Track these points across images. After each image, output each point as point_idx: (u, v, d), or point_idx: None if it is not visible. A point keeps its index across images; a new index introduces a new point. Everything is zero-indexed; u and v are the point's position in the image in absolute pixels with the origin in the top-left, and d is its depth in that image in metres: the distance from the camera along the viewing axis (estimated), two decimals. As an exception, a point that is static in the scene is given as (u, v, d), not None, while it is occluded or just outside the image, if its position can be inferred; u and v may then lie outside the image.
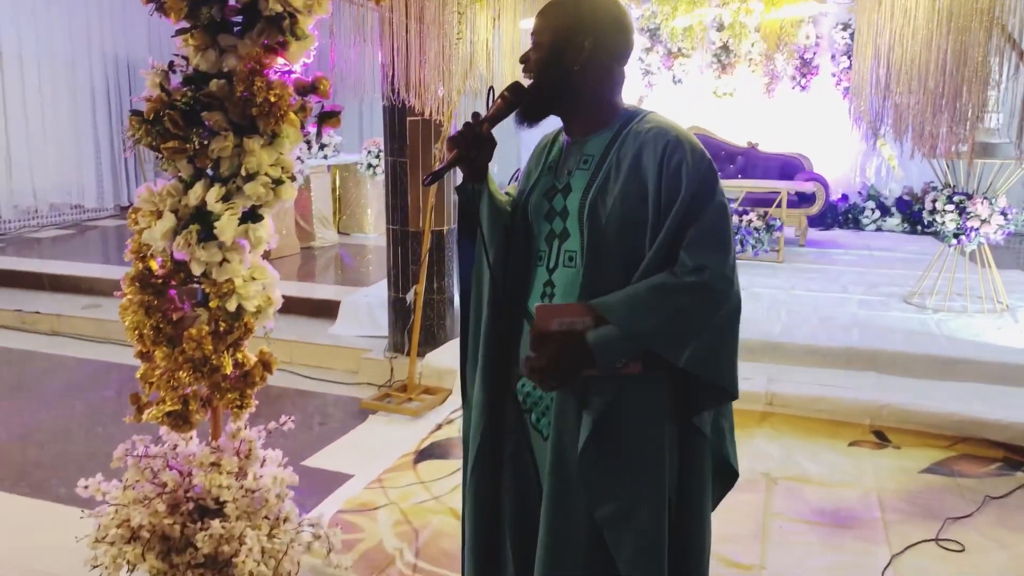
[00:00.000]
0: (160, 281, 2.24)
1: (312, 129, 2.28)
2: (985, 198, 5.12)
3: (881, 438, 3.93)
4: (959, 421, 3.87)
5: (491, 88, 1.75)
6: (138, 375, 2.35)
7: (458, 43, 3.06)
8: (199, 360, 2.21)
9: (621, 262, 1.63)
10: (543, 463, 1.73)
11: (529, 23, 3.78)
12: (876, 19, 2.77)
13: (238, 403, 2.34)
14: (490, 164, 1.77)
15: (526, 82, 1.72)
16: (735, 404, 1.83)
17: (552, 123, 1.75)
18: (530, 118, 1.72)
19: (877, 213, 9.23)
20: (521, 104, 1.70)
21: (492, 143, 1.70)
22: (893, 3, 2.66)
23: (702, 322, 1.58)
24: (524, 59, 1.72)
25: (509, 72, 3.59)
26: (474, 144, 1.67)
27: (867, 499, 3.37)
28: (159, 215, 2.15)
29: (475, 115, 1.70)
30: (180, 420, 2.29)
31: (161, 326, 2.22)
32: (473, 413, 1.85)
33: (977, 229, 5.16)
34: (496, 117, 1.69)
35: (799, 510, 3.29)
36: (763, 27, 3.73)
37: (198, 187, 2.12)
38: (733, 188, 7.67)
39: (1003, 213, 5.15)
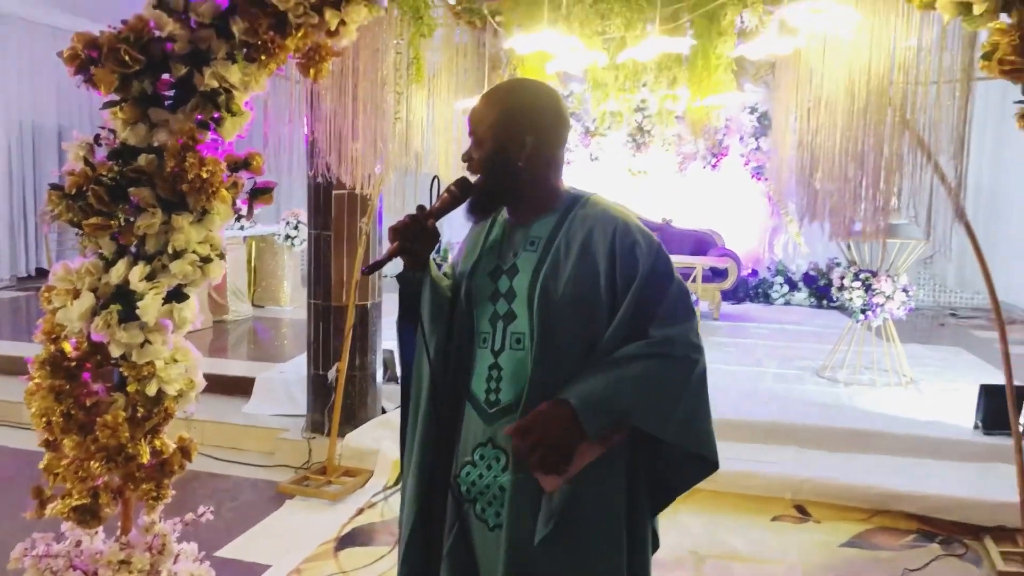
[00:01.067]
0: (74, 364, 2.10)
1: (243, 205, 2.21)
2: (888, 275, 5.39)
3: (802, 512, 3.98)
4: (875, 494, 3.97)
5: (435, 178, 1.74)
6: (42, 466, 2.17)
7: (396, 123, 3.07)
8: (113, 449, 2.07)
9: (573, 343, 1.63)
10: (488, 555, 1.67)
11: (463, 103, 3.86)
12: (793, 108, 2.93)
13: (154, 494, 2.19)
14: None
15: (472, 177, 1.72)
16: None
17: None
18: (479, 213, 1.74)
19: (786, 288, 9.60)
20: (467, 199, 1.69)
21: (436, 236, 1.69)
22: (810, 95, 2.82)
23: (680, 389, 1.60)
24: (467, 157, 1.72)
25: (443, 149, 3.63)
26: (418, 237, 1.65)
27: (793, 575, 3.39)
28: (76, 294, 2.02)
29: (420, 208, 1.68)
30: (88, 515, 2.12)
31: (72, 412, 2.07)
32: (405, 504, 1.78)
33: (882, 305, 5.40)
34: (441, 211, 1.68)
35: (729, 589, 3.28)
36: (688, 114, 3.89)
37: (121, 265, 2.01)
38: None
39: (905, 290, 5.42)
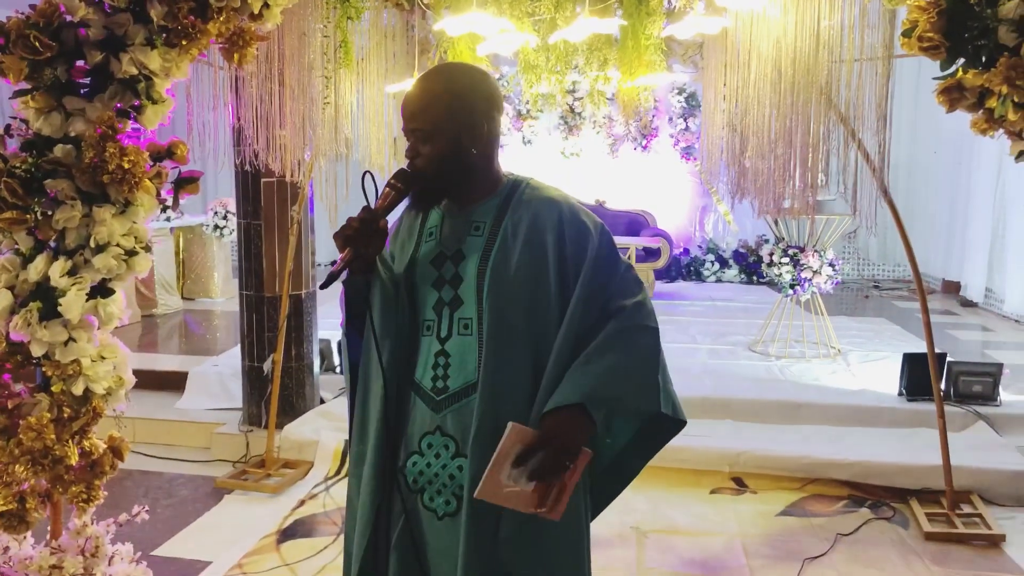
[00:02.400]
0: (-8, 365, 2.01)
1: (168, 196, 2.14)
2: (815, 251, 5.54)
3: (740, 484, 4.08)
4: (807, 463, 4.09)
5: (366, 173, 1.69)
6: (-37, 472, 2.08)
7: (325, 107, 3.01)
8: (39, 452, 1.98)
9: (523, 326, 1.63)
10: (438, 545, 1.66)
11: (393, 87, 3.80)
12: (723, 88, 2.98)
13: (84, 496, 2.11)
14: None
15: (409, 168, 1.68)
16: None
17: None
18: (425, 205, 1.72)
19: (717, 265, 9.78)
20: (411, 191, 1.66)
21: (385, 235, 1.65)
22: (739, 74, 2.86)
23: (657, 358, 1.66)
24: (413, 153, 1.66)
25: (374, 135, 3.57)
26: (370, 241, 1.61)
27: (732, 546, 3.48)
28: (-8, 293, 1.93)
29: (366, 209, 1.62)
30: (15, 520, 2.04)
31: (-7, 416, 1.99)
32: (361, 506, 1.72)
33: (810, 280, 5.56)
34: (388, 209, 1.64)
35: (671, 562, 3.34)
36: (620, 95, 3.92)
37: (39, 261, 1.92)
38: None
39: (831, 264, 5.58)
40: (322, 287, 1.60)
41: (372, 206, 1.64)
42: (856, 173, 2.60)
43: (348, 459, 1.86)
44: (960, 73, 1.85)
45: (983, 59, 1.79)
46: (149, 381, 5.19)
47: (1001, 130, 1.87)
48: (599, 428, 1.58)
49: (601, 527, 3.52)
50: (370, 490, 1.70)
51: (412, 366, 1.71)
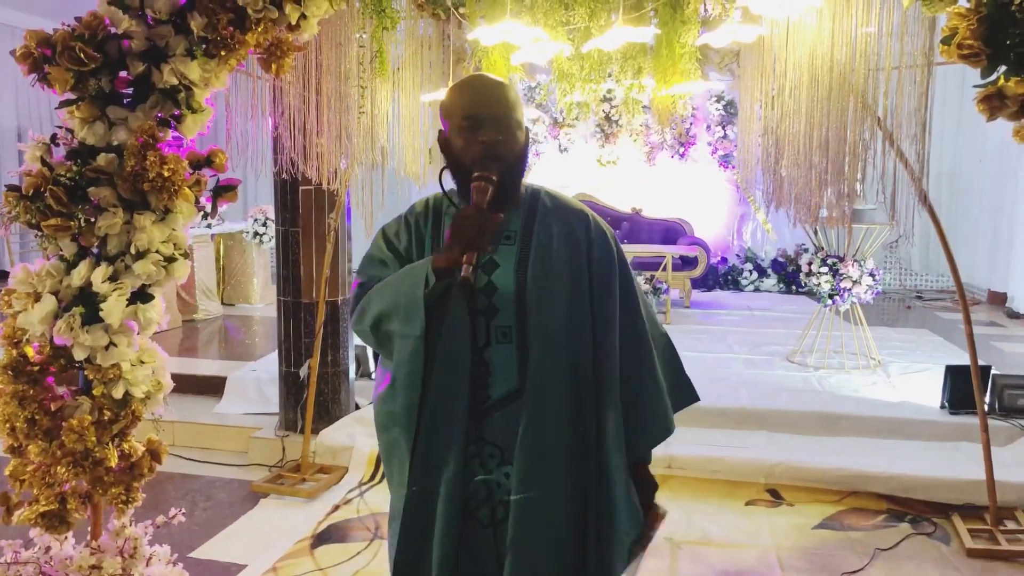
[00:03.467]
0: (37, 368, 2.06)
1: (207, 203, 2.18)
2: (855, 260, 5.45)
3: (775, 496, 4.03)
4: (846, 476, 4.02)
5: (444, 169, 1.70)
6: (7, 472, 2.13)
7: (360, 116, 3.04)
8: (80, 453, 2.03)
9: (564, 333, 1.66)
10: (480, 554, 1.68)
11: (428, 96, 3.83)
12: (759, 96, 2.95)
13: (123, 498, 2.16)
14: None
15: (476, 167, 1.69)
16: None
17: (413, 195, 1.74)
18: (496, 205, 1.62)
19: (755, 274, 9.68)
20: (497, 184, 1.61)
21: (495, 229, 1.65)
22: (775, 82, 2.84)
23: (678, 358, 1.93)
24: (494, 141, 1.61)
25: (408, 143, 3.60)
26: (488, 237, 1.56)
27: (767, 558, 3.43)
28: (37, 297, 1.98)
29: (475, 206, 1.56)
30: (56, 520, 2.09)
31: (37, 418, 2.03)
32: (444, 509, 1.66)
33: (849, 290, 5.47)
34: (490, 204, 1.58)
35: (704, 574, 3.31)
36: (654, 103, 3.90)
37: (82, 267, 1.98)
38: (620, 253, 7.89)
39: (871, 274, 5.49)
40: (464, 294, 1.53)
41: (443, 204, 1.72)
42: (895, 182, 2.56)
43: (403, 501, 1.73)
44: (1002, 81, 1.81)
45: (1026, 65, 1.75)
46: (189, 385, 5.30)
47: (1044, 138, 1.83)
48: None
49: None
50: (448, 527, 1.65)
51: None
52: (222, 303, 8.08)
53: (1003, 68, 1.79)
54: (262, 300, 8.23)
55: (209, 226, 7.73)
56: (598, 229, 1.74)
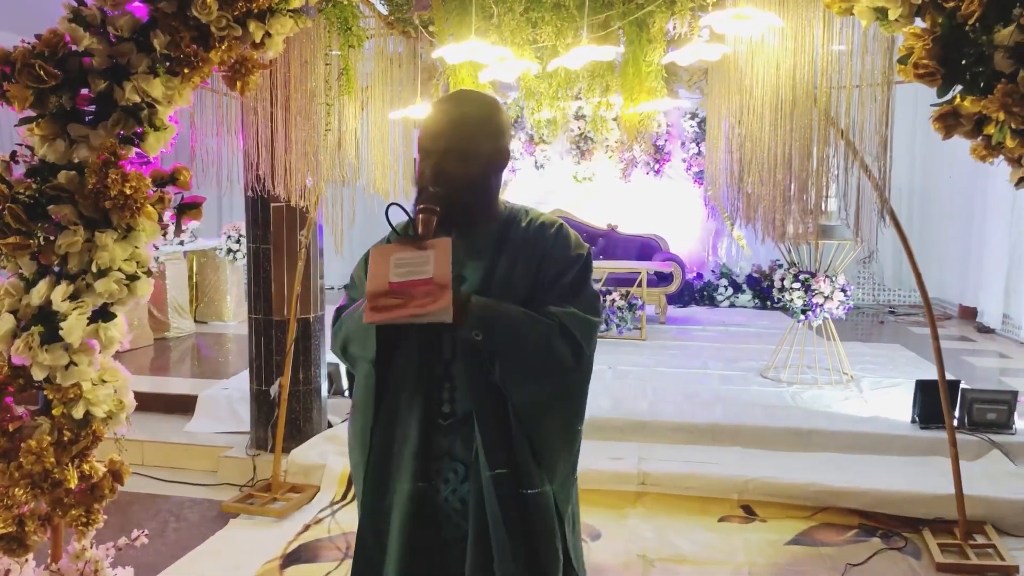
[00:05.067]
0: (-6, 388, 2.02)
1: (172, 221, 2.17)
2: (827, 276, 5.50)
3: (748, 512, 4.03)
4: (817, 491, 4.04)
5: (390, 205, 1.70)
6: (-35, 494, 2.09)
7: (326, 134, 3.04)
8: (39, 475, 2.00)
9: None
10: (446, 569, 1.67)
11: (397, 113, 3.84)
12: (725, 113, 2.98)
13: (84, 520, 2.12)
14: None
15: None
16: (611, 485, 1.91)
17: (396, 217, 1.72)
18: (446, 229, 1.64)
19: (730, 290, 9.74)
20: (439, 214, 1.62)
21: None
22: (740, 100, 2.87)
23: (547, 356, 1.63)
24: (439, 169, 1.63)
25: (378, 162, 3.59)
26: None
27: (740, 575, 3.43)
28: (-5, 316, 1.95)
29: (412, 236, 1.59)
30: (15, 544, 2.05)
31: (-6, 438, 2.00)
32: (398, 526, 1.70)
33: (821, 305, 5.52)
34: (431, 235, 1.59)
35: (677, 591, 3.30)
36: (622, 120, 3.94)
37: (42, 285, 1.95)
38: (596, 269, 7.84)
39: (843, 289, 5.54)
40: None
41: (395, 236, 1.64)
42: (858, 197, 2.60)
43: (360, 505, 1.79)
44: (958, 99, 1.84)
45: (981, 85, 1.78)
46: (159, 404, 5.24)
47: (1001, 156, 1.86)
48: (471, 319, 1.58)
49: (607, 555, 3.49)
50: (405, 531, 1.67)
51: (433, 397, 1.70)
52: (195, 320, 8.01)
53: (959, 88, 1.82)
54: (235, 317, 8.17)
55: (182, 243, 7.67)
56: (557, 246, 1.70)
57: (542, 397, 1.62)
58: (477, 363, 1.62)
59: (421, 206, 1.62)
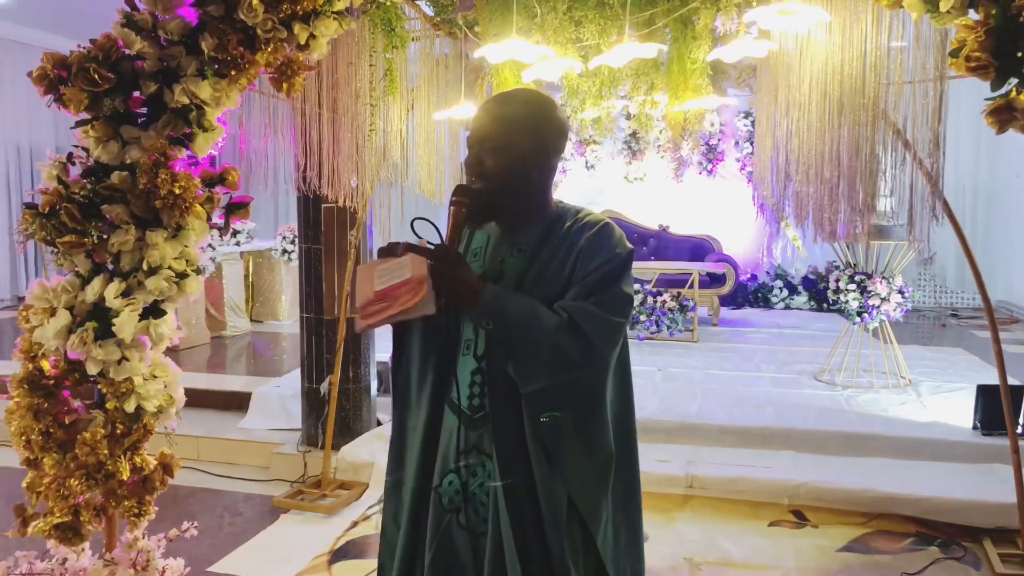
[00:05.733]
0: (52, 382, 2.09)
1: (220, 220, 2.22)
2: (883, 277, 5.36)
3: (800, 517, 3.96)
4: (873, 497, 3.94)
5: (415, 220, 1.74)
6: (24, 484, 2.17)
7: (371, 134, 3.07)
8: (93, 466, 2.06)
9: None
10: (473, 564, 1.67)
11: (442, 114, 3.87)
12: (774, 111, 2.93)
13: (136, 511, 2.18)
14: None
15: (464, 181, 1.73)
16: (658, 488, 1.85)
17: (430, 214, 1.75)
18: (478, 220, 1.72)
19: (785, 292, 9.57)
20: (469, 205, 1.66)
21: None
22: (788, 97, 2.82)
23: (564, 371, 1.58)
24: (475, 165, 1.67)
25: (424, 162, 3.63)
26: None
27: (790, 581, 3.37)
28: (52, 312, 2.02)
29: (439, 246, 1.62)
30: (70, 532, 2.12)
31: (51, 431, 2.07)
32: (405, 521, 1.77)
33: (878, 307, 5.38)
34: (458, 228, 1.65)
35: (724, 596, 3.25)
36: (668, 118, 3.89)
37: (96, 283, 2.01)
38: (646, 270, 7.86)
39: (900, 291, 5.39)
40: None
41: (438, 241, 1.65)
42: (911, 195, 2.52)
43: (384, 489, 1.88)
44: (1014, 93, 1.78)
45: (1037, 78, 1.72)
46: (215, 401, 5.37)
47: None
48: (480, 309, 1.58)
49: (654, 558, 3.45)
50: (413, 513, 1.73)
51: (449, 385, 1.73)
52: (251, 320, 8.18)
53: (1014, 81, 1.76)
54: (290, 317, 8.31)
55: (238, 243, 7.84)
56: (594, 241, 1.65)
57: (549, 393, 1.58)
58: (496, 356, 1.62)
59: (452, 197, 1.65)
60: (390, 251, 1.65)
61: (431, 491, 1.73)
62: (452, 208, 1.65)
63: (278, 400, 5.19)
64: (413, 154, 3.61)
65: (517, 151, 1.66)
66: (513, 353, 1.58)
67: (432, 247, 1.61)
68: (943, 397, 5.28)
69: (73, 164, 2.05)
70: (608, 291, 1.61)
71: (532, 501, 1.60)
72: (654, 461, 4.13)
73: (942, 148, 2.37)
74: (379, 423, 4.85)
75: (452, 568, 1.70)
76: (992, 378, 5.04)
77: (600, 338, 1.57)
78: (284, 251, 8.12)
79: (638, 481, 1.79)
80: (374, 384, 4.80)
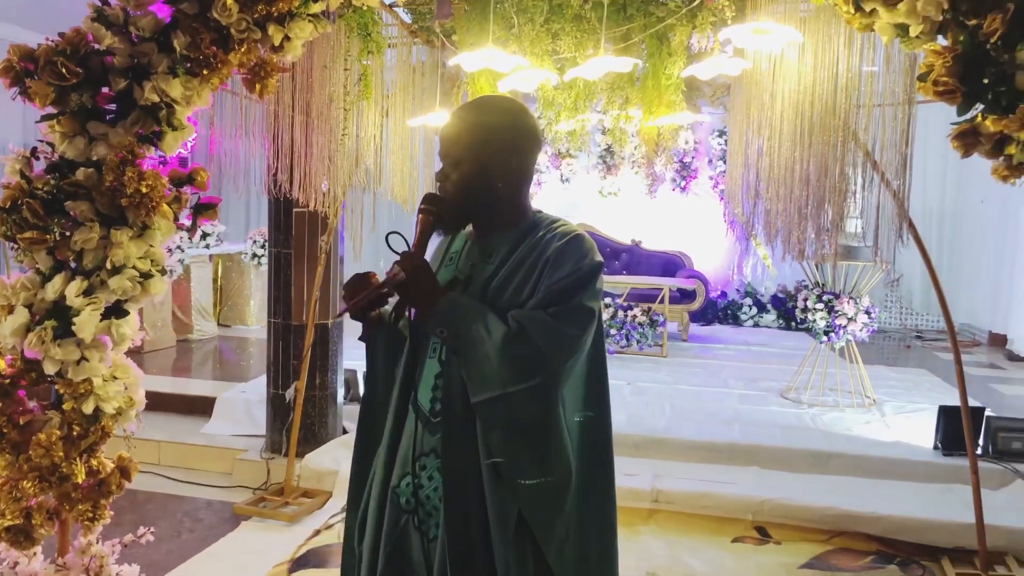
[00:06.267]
0: (7, 381, 2.04)
1: (187, 221, 2.19)
2: (851, 297, 5.43)
3: (763, 534, 3.97)
4: (835, 515, 3.97)
5: (389, 235, 1.75)
6: (-25, 485, 2.12)
7: (343, 139, 3.06)
8: (47, 468, 2.01)
9: None
10: (426, 566, 1.66)
11: (417, 120, 3.86)
12: (746, 130, 2.96)
13: (90, 515, 2.14)
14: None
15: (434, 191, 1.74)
16: (624, 502, 1.84)
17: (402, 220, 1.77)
18: (447, 229, 1.74)
19: (754, 309, 9.65)
20: (439, 215, 1.68)
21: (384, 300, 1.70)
22: (760, 116, 2.85)
23: (517, 380, 1.55)
24: (442, 177, 1.70)
25: (397, 169, 3.61)
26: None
27: (751, 597, 3.38)
28: (11, 310, 1.98)
29: (404, 254, 1.62)
30: (21, 536, 2.07)
31: (5, 431, 2.02)
32: (371, 514, 1.77)
33: (844, 327, 5.44)
34: (426, 235, 1.67)
35: (686, 611, 3.26)
36: (642, 133, 3.92)
37: (57, 280, 1.97)
38: (618, 284, 7.89)
39: (867, 312, 5.46)
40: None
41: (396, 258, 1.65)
42: (878, 216, 2.56)
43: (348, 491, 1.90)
44: (979, 118, 1.81)
45: (1003, 104, 1.75)
46: (179, 405, 5.28)
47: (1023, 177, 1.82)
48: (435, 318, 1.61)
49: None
50: (377, 506, 1.74)
51: (414, 387, 1.72)
52: (218, 324, 8.08)
53: (980, 106, 1.79)
54: (259, 322, 8.22)
55: (208, 246, 7.75)
56: (563, 251, 1.62)
57: (499, 404, 1.54)
58: (453, 364, 1.62)
59: (421, 205, 1.67)
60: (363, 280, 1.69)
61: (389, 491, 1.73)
62: (420, 216, 1.67)
63: (243, 405, 5.12)
64: (387, 160, 3.60)
65: (479, 163, 1.66)
66: (466, 363, 1.58)
67: (399, 254, 1.62)
68: (906, 417, 5.34)
69: (37, 159, 2.01)
70: (568, 302, 1.58)
71: (478, 510, 1.59)
72: (621, 475, 4.07)
73: (909, 170, 2.41)
74: (345, 431, 4.80)
75: (405, 568, 1.69)
76: (953, 399, 5.11)
77: (552, 349, 1.54)
78: (254, 255, 8.04)
79: (613, 500, 1.76)
80: (340, 392, 4.75)
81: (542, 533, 1.60)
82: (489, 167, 1.67)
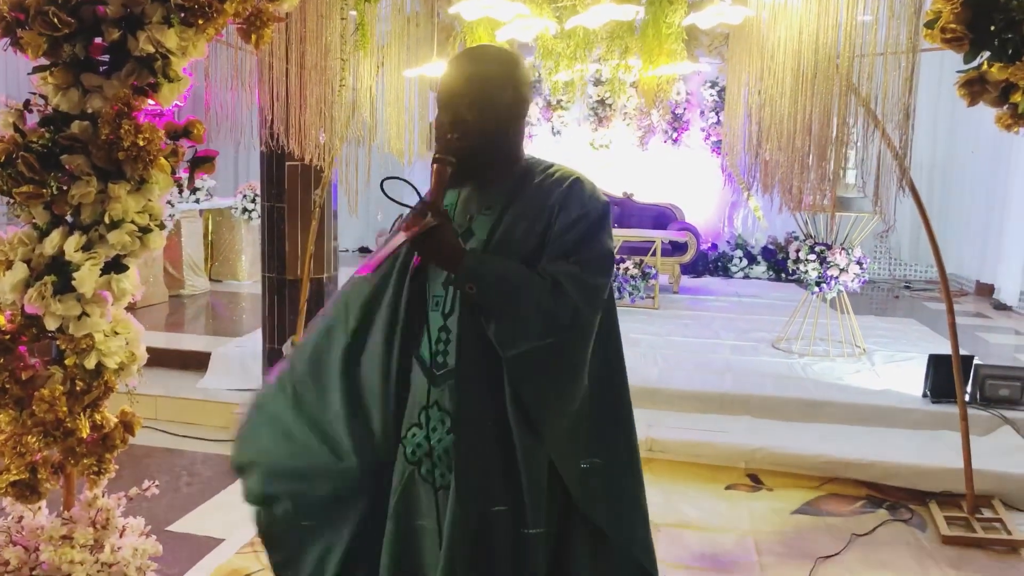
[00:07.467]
0: (8, 337, 2.04)
1: (184, 174, 2.16)
2: (843, 248, 5.45)
3: (755, 481, 4.05)
4: (826, 462, 4.05)
5: (385, 179, 1.67)
6: (-21, 440, 2.12)
7: (341, 90, 3.01)
8: (51, 423, 2.02)
9: None
10: (433, 515, 1.68)
11: (413, 73, 3.80)
12: (745, 79, 2.93)
13: (95, 469, 2.15)
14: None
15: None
16: None
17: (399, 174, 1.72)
18: (462, 180, 1.69)
19: (744, 261, 9.68)
20: (458, 166, 1.63)
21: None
22: (762, 65, 2.82)
23: (544, 330, 1.57)
24: (448, 128, 1.64)
25: (393, 121, 3.56)
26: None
27: (744, 543, 3.45)
28: (9, 265, 1.96)
29: (420, 202, 1.58)
30: (27, 490, 2.08)
31: (8, 387, 2.02)
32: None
33: (836, 278, 5.48)
34: (443, 186, 1.60)
35: (680, 556, 3.32)
36: (641, 84, 3.87)
37: (55, 235, 1.95)
38: (610, 237, 7.89)
39: (859, 262, 5.49)
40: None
41: (403, 207, 1.62)
42: (878, 167, 2.55)
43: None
44: (985, 66, 1.80)
45: (1009, 52, 1.74)
46: (174, 360, 5.29)
47: (1026, 126, 1.82)
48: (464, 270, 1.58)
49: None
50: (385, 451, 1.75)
51: (418, 340, 1.72)
52: (210, 279, 8.05)
53: (987, 54, 1.78)
54: (250, 277, 8.20)
55: (198, 201, 7.68)
56: (571, 195, 1.64)
57: (533, 357, 1.57)
58: (470, 317, 1.62)
59: (436, 155, 1.62)
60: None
61: (399, 442, 1.74)
62: (436, 167, 1.61)
63: (238, 360, 5.13)
64: (382, 112, 3.55)
65: (500, 107, 1.65)
66: (498, 318, 1.57)
67: (418, 204, 1.57)
68: (895, 366, 5.41)
69: (31, 112, 1.97)
70: (587, 250, 1.60)
71: (487, 461, 1.62)
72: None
73: (911, 121, 2.41)
74: (341, 384, 4.82)
75: (414, 518, 1.72)
76: (942, 348, 5.17)
77: (585, 300, 1.58)
78: (245, 209, 7.98)
79: (637, 446, 1.83)
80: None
81: (570, 479, 1.67)
82: (509, 111, 1.66)
